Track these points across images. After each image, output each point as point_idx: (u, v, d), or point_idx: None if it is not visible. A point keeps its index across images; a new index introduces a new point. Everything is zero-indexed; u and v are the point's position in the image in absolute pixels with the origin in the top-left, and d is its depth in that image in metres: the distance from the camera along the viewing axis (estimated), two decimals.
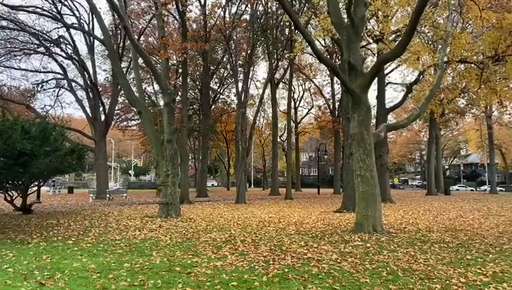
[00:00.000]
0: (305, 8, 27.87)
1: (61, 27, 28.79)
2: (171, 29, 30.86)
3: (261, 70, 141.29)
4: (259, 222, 13.06)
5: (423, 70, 23.26)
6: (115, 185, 52.81)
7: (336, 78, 38.51)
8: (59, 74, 30.38)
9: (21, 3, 26.37)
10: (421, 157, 79.83)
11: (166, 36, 21.10)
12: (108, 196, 26.86)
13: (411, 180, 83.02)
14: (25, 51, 28.36)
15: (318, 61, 29.73)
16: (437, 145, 43.29)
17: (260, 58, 36.79)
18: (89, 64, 30.42)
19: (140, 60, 18.60)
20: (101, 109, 30.44)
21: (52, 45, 29.08)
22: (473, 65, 22.56)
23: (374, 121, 25.66)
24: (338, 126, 40.04)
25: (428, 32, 22.34)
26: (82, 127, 31.85)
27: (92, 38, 29.99)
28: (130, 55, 24.97)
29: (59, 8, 28.02)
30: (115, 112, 34.85)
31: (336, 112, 43.63)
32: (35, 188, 18.41)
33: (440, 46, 20.77)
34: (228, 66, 34.86)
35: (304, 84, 51.42)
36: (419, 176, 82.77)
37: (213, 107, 41.56)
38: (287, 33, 31.63)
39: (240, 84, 26.21)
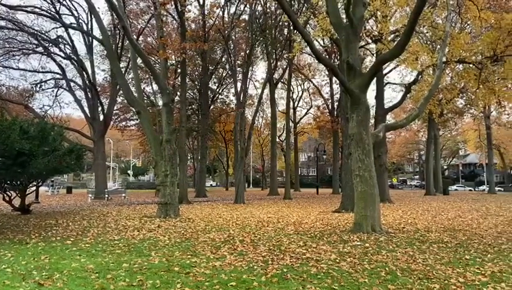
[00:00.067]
0: (303, 8, 27.90)
1: (59, 27, 28.80)
2: (169, 29, 30.84)
3: (259, 70, 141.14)
4: (258, 222, 13.06)
5: (422, 70, 23.29)
6: (114, 185, 52.84)
7: (334, 78, 38.48)
8: (58, 73, 30.37)
9: (19, 3, 26.41)
10: (419, 158, 79.95)
11: (165, 36, 21.11)
12: (107, 196, 26.81)
13: (410, 180, 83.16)
14: (24, 50, 28.32)
15: (317, 61, 29.67)
16: (436, 145, 43.34)
17: (259, 58, 36.84)
18: (87, 64, 30.43)
19: (139, 60, 18.57)
20: (99, 109, 30.39)
21: (50, 44, 29.06)
22: (471, 65, 22.59)
23: (372, 121, 25.67)
24: (337, 126, 40.05)
25: (427, 32, 22.37)
26: (81, 127, 31.80)
27: (90, 38, 29.96)
28: (129, 55, 24.92)
29: (57, 8, 28.01)
30: (114, 112, 34.82)
31: (335, 112, 43.65)
32: (34, 188, 18.36)
33: (439, 46, 20.82)
34: (227, 66, 34.88)
35: (303, 84, 51.51)
36: (417, 176, 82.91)
37: (212, 107, 41.57)
38: (286, 33, 31.66)
39: (239, 84, 26.23)
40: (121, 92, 27.50)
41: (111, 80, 31.58)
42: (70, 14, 29.43)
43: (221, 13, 28.40)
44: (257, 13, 28.74)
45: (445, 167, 74.73)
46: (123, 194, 29.36)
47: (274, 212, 17.21)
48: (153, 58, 28.80)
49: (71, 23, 29.16)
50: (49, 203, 22.49)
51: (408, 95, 29.24)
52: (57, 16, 27.72)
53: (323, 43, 35.22)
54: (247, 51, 27.26)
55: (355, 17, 10.83)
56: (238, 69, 28.47)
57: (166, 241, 8.79)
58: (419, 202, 25.96)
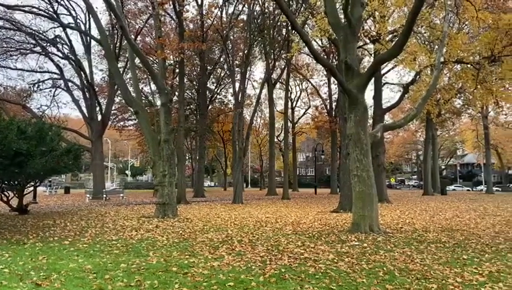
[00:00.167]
0: (302, 8, 27.90)
1: (57, 27, 28.73)
2: (168, 29, 30.84)
3: (258, 70, 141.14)
4: (256, 222, 13.06)
5: (420, 70, 23.33)
6: (112, 185, 52.74)
7: (332, 79, 38.52)
8: (55, 73, 30.31)
9: (17, 3, 26.37)
10: (417, 158, 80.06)
11: (163, 36, 21.07)
12: (105, 196, 26.78)
13: (408, 180, 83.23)
14: (21, 50, 28.27)
15: (315, 61, 29.83)
16: (433, 146, 43.42)
17: (257, 58, 36.81)
18: (85, 64, 30.34)
19: (137, 60, 18.54)
20: (97, 109, 30.36)
21: (48, 44, 29.00)
22: (469, 65, 22.64)
23: (370, 121, 25.72)
24: (335, 126, 40.10)
25: (425, 32, 22.40)
26: (78, 127, 31.76)
27: (88, 38, 29.91)
28: (127, 55, 24.91)
29: (55, 8, 27.94)
30: (112, 112, 34.79)
31: (333, 112, 43.72)
32: (32, 188, 18.31)
33: (436, 47, 20.86)
34: (225, 66, 34.85)
35: (301, 84, 51.61)
36: (415, 176, 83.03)
37: (210, 107, 41.55)
38: (284, 33, 31.70)
39: (237, 84, 26.21)
40: (119, 92, 27.44)
41: (109, 79, 31.55)
42: (68, 14, 29.41)
43: (219, 13, 28.44)
44: (255, 13, 28.73)
45: (443, 167, 74.87)
46: (121, 194, 29.34)
47: (272, 212, 17.22)
48: (151, 58, 28.79)
49: (69, 23, 29.13)
50: (46, 203, 22.44)
51: (406, 95, 29.26)
52: (55, 16, 27.66)
53: (322, 43, 35.25)
54: (246, 51, 27.25)
55: (353, 17, 10.84)
56: (236, 69, 28.44)
57: (164, 241, 8.79)
58: (417, 202, 26.00)
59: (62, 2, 28.52)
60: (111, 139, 63.53)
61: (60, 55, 29.73)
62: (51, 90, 30.39)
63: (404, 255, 7.22)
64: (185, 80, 32.77)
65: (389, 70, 33.51)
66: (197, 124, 39.06)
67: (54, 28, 28.88)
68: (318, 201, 26.94)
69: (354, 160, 10.49)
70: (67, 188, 39.99)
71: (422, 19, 17.83)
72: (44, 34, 28.33)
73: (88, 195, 26.99)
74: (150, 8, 22.55)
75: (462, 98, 36.06)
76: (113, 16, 19.66)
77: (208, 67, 36.01)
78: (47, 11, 27.44)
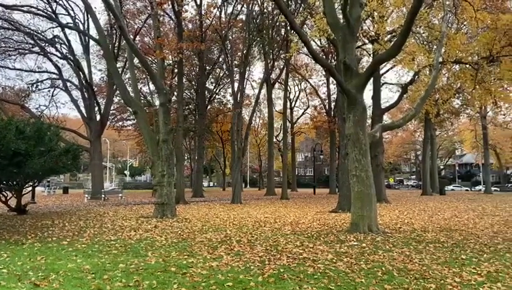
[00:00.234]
0: (300, 9, 27.89)
1: (56, 27, 28.70)
2: (166, 29, 30.83)
3: (257, 70, 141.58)
4: (255, 222, 13.06)
5: (418, 70, 23.36)
6: (110, 186, 52.70)
7: (331, 79, 38.53)
8: (54, 73, 30.27)
9: (15, 3, 26.34)
10: (416, 158, 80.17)
11: (162, 36, 21.05)
12: (103, 196, 26.76)
13: (406, 180, 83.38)
14: (20, 50, 28.21)
15: (314, 61, 29.80)
16: (432, 146, 43.48)
17: (256, 58, 36.79)
18: (84, 64, 30.34)
19: (135, 60, 18.55)
20: (96, 109, 30.33)
21: (47, 44, 28.95)
22: (467, 66, 22.69)
23: (369, 121, 25.75)
24: (334, 126, 40.13)
25: (424, 32, 22.43)
26: (77, 127, 31.74)
27: (87, 38, 29.89)
28: (126, 55, 24.90)
29: (54, 8, 27.93)
30: (111, 112, 34.75)
31: (332, 112, 43.77)
32: (30, 188, 18.30)
33: (435, 47, 20.88)
34: (224, 66, 34.86)
35: (300, 84, 51.62)
36: (414, 176, 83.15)
37: (209, 107, 41.56)
38: (283, 33, 31.70)
39: (236, 84, 26.20)
40: (118, 92, 27.40)
41: (108, 79, 31.53)
42: (66, 13, 29.40)
43: (218, 13, 28.40)
44: (254, 13, 28.71)
45: (441, 167, 74.95)
46: (120, 195, 29.33)
47: (271, 212, 17.22)
48: (150, 58, 28.75)
49: (68, 23, 29.08)
50: (45, 203, 22.40)
51: (405, 95, 29.31)
52: (54, 16, 27.63)
53: (320, 44, 35.28)
54: (244, 51, 27.25)
55: (352, 17, 10.84)
56: (235, 69, 28.44)
57: (163, 241, 8.78)
58: (416, 202, 26.02)
59: (60, 2, 28.52)
60: (110, 139, 63.47)
61: (59, 55, 29.69)
62: (49, 90, 30.39)
63: (402, 255, 7.22)
64: (184, 80, 32.79)
65: (387, 70, 33.63)
66: (196, 124, 39.04)
67: (53, 28, 28.91)
68: (317, 201, 26.95)
69: (352, 160, 10.49)
70: (65, 188, 39.96)
71: (421, 19, 17.87)
72: (42, 34, 28.30)
73: (86, 195, 26.95)
74: (149, 8, 22.57)
75: (461, 98, 36.14)
76: (112, 16, 19.66)
77: (207, 67, 36.01)
78: (45, 11, 27.43)
